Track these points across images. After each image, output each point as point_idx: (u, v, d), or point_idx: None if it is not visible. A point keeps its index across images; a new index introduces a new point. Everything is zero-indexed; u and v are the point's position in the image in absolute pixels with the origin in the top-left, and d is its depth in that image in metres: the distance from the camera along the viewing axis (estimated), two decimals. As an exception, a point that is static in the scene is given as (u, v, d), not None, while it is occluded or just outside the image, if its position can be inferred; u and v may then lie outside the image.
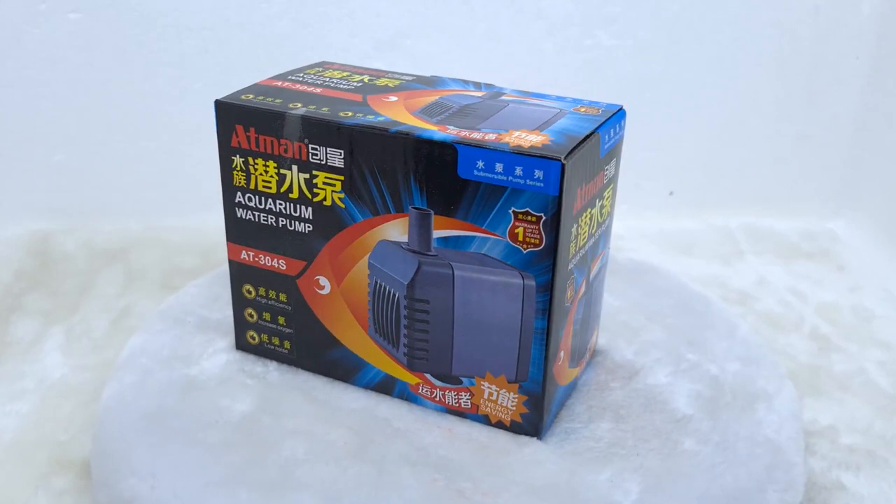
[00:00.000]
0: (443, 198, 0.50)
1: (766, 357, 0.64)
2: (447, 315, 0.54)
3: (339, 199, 0.54)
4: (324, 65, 0.63)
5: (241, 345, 0.63)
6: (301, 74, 0.60)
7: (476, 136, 0.49)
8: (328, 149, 0.53)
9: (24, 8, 0.84)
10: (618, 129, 0.54)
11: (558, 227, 0.48)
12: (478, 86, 0.59)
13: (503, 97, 0.56)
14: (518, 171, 0.47)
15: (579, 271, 0.53)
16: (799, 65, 0.94)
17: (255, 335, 0.62)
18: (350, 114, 0.53)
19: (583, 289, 0.55)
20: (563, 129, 0.50)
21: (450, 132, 0.50)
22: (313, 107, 0.54)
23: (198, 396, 0.58)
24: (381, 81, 0.59)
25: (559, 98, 0.57)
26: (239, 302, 0.61)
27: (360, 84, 0.59)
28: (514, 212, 0.49)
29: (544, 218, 0.48)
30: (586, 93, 0.93)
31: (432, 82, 0.60)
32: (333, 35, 0.87)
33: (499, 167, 0.48)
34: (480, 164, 0.48)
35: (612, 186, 0.56)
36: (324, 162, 0.53)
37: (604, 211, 0.56)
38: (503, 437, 0.55)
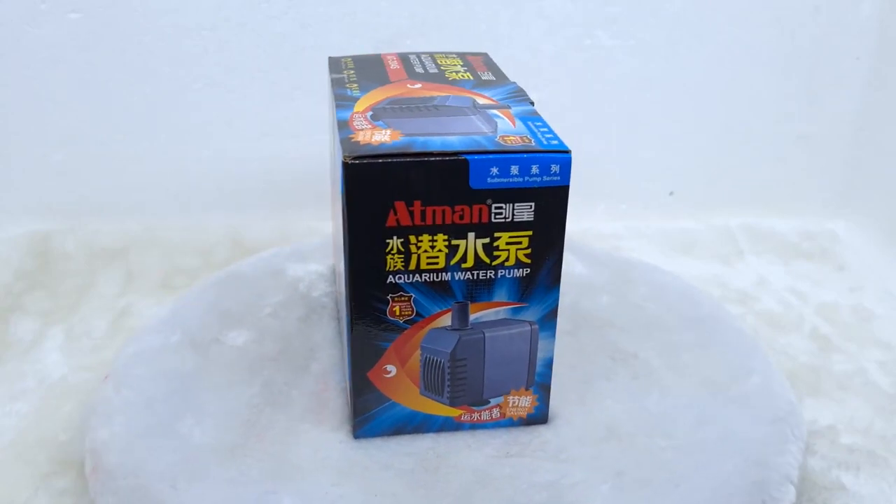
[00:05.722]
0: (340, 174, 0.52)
1: None
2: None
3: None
4: (464, 54, 0.66)
5: None
6: (418, 55, 0.65)
7: (356, 124, 0.49)
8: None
9: (24, 8, 0.84)
10: (535, 170, 0.47)
11: (347, 227, 0.47)
12: (517, 97, 0.56)
13: (488, 111, 0.53)
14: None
15: (428, 298, 0.49)
16: (799, 65, 0.94)
17: None
18: (354, 87, 0.56)
19: (445, 322, 0.50)
20: (425, 142, 0.46)
21: (353, 118, 0.50)
22: (354, 76, 0.59)
23: (265, 282, 0.69)
24: (456, 75, 0.60)
25: (528, 123, 0.51)
26: None
27: (434, 73, 0.60)
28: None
29: (343, 213, 0.47)
30: (586, 93, 0.93)
31: (493, 84, 0.58)
32: (333, 35, 0.87)
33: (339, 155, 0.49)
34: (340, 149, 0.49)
35: (529, 234, 0.48)
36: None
37: (500, 254, 0.49)
38: (336, 416, 0.55)
